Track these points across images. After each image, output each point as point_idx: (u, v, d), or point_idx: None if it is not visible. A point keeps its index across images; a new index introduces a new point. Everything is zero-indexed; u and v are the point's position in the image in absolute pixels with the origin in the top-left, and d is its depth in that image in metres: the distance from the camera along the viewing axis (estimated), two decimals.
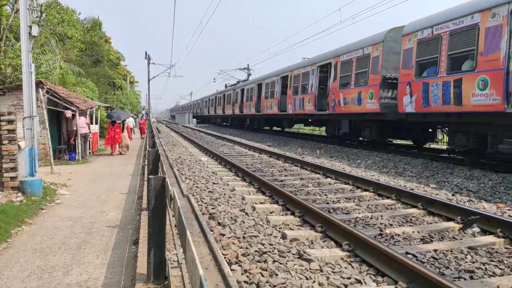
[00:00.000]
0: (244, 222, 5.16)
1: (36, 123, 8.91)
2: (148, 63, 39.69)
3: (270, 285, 3.32)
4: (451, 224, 5.37)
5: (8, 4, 18.36)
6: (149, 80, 41.61)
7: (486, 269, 3.82)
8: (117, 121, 17.08)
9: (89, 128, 15.64)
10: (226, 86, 42.36)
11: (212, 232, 4.63)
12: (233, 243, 4.33)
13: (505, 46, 8.47)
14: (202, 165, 11.10)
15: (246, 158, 13.13)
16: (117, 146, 16.91)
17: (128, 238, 5.45)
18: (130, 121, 23.69)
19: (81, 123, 14.78)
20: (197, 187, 7.64)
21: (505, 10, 8.54)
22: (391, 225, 5.33)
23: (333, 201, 6.76)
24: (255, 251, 4.09)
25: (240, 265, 3.73)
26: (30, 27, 8.56)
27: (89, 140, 16.02)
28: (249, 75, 42.30)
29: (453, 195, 7.35)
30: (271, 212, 6.04)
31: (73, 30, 26.62)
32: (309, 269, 3.73)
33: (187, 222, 2.59)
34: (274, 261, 3.85)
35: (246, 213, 5.70)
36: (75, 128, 14.51)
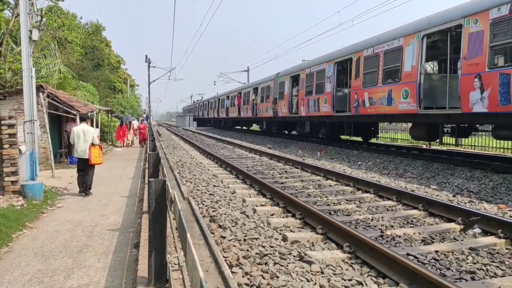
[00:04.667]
0: (245, 225, 5.16)
1: (36, 127, 8.93)
2: (148, 67, 39.81)
3: None
4: (452, 225, 5.36)
5: (8, 9, 18.44)
6: (149, 83, 41.74)
7: (487, 270, 3.81)
8: (125, 123, 24.66)
9: None
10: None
11: (212, 235, 4.63)
12: (234, 246, 4.33)
13: None
14: (203, 167, 11.10)
15: (246, 160, 13.14)
16: (125, 140, 23.93)
17: (129, 241, 5.46)
18: (135, 123, 29.69)
19: (68, 127, 15.28)
20: (198, 189, 7.64)
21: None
22: (392, 226, 5.33)
23: (334, 203, 6.76)
24: (256, 253, 4.08)
25: (241, 268, 3.73)
26: (31, 31, 8.59)
27: None
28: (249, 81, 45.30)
29: (454, 196, 7.34)
30: (272, 215, 6.04)
31: (73, 34, 26.70)
32: (310, 271, 3.72)
33: (188, 224, 2.59)
34: (275, 264, 3.84)
35: (247, 216, 5.70)
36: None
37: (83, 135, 8.73)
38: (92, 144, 8.75)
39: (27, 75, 8.57)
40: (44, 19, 17.11)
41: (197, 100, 66.56)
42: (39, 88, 11.97)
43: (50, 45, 18.31)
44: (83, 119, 9.41)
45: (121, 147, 23.31)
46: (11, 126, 7.84)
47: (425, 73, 11.15)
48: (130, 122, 26.56)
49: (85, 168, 8.75)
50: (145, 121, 35.51)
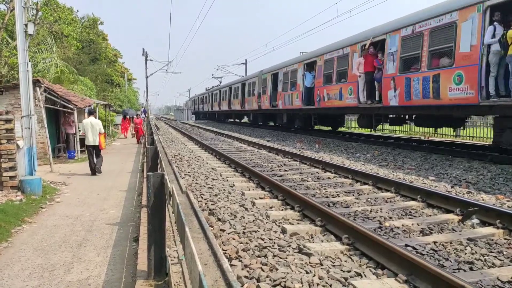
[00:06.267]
0: (244, 218, 5.17)
1: (34, 121, 8.88)
2: (146, 60, 39.54)
3: (270, 280, 3.33)
4: (450, 216, 5.38)
5: (3, 2, 18.26)
6: (147, 77, 41.48)
7: (485, 260, 3.83)
8: (127, 116, 27.69)
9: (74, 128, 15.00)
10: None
11: (212, 228, 4.64)
12: (233, 239, 4.34)
13: None
14: (202, 161, 11.09)
15: (245, 153, 13.13)
16: (128, 133, 27.03)
17: (129, 235, 5.46)
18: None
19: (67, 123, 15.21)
20: (197, 183, 7.64)
21: None
22: (390, 218, 5.34)
23: (333, 195, 6.77)
24: (255, 246, 4.09)
25: (240, 260, 3.74)
26: (26, 25, 8.50)
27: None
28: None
29: (452, 187, 7.36)
30: (271, 207, 6.05)
31: (69, 28, 26.50)
32: (309, 263, 3.74)
33: (186, 218, 2.59)
34: (274, 256, 3.86)
35: (246, 209, 5.71)
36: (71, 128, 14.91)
37: (91, 126, 10.62)
38: (99, 133, 10.74)
39: (23, 69, 8.50)
40: (40, 13, 16.98)
41: (212, 87, 46.19)
42: (36, 83, 11.90)
43: (46, 39, 18.16)
44: (91, 113, 11.29)
45: (125, 137, 26.08)
46: (8, 121, 7.81)
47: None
48: (132, 117, 28.64)
49: (95, 153, 10.82)
50: (143, 115, 33.94)
